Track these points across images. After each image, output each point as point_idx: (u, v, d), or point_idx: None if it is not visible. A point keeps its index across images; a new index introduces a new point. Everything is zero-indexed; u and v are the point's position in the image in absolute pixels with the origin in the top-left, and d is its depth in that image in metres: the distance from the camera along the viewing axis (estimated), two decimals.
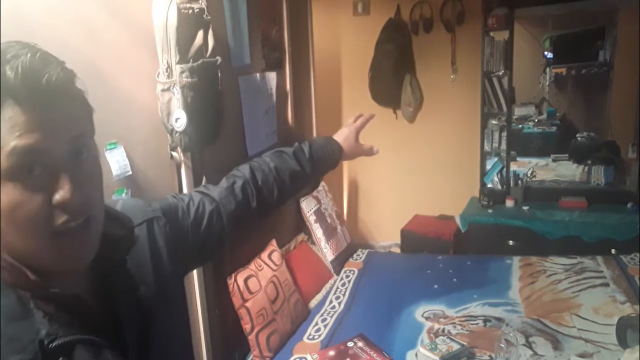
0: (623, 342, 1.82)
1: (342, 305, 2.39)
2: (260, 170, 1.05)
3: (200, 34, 1.72)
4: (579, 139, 3.60)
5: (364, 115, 1.26)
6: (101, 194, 0.65)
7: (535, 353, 1.87)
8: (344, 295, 2.49)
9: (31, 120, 0.56)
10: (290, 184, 1.07)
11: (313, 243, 2.79)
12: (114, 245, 0.69)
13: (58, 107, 0.58)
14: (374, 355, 1.87)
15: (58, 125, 0.58)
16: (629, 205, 3.22)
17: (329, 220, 2.88)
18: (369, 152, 1.24)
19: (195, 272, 1.82)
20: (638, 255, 2.65)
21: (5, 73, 0.55)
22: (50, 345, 0.57)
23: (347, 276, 2.70)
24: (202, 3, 1.75)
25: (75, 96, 0.61)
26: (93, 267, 0.68)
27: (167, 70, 1.65)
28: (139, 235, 0.78)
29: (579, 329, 2.01)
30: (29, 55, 0.56)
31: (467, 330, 2.07)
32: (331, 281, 2.65)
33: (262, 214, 1.07)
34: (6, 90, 0.55)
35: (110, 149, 1.45)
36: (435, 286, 2.51)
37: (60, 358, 0.57)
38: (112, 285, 0.70)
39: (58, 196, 0.58)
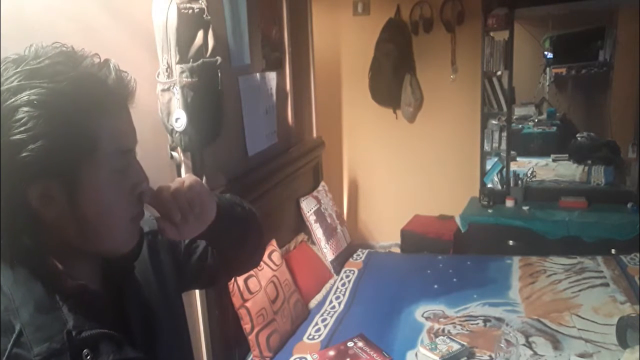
0: (623, 342, 1.82)
1: (342, 305, 2.38)
2: None
3: (200, 34, 1.72)
4: (579, 139, 3.60)
5: None
6: None
7: (535, 353, 1.87)
8: (344, 295, 2.49)
9: (126, 123, 0.66)
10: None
11: (313, 243, 2.79)
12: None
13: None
14: (374, 355, 1.87)
15: (133, 126, 0.68)
16: (629, 205, 3.22)
17: (329, 220, 2.88)
18: None
19: None
20: (638, 255, 2.65)
21: (106, 79, 0.62)
22: (78, 336, 0.60)
23: (347, 276, 2.70)
24: (202, 3, 1.75)
25: None
26: (105, 270, 0.71)
27: (167, 70, 1.66)
28: (144, 244, 0.80)
29: (579, 329, 2.01)
30: (113, 62, 0.64)
31: (467, 330, 2.07)
32: (331, 281, 2.65)
33: (243, 267, 1.03)
34: (108, 96, 0.62)
35: None
36: (435, 286, 2.51)
37: (85, 350, 0.60)
38: (120, 288, 0.72)
39: (142, 188, 0.68)
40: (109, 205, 0.64)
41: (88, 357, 0.60)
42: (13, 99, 0.56)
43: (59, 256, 0.63)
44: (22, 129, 0.55)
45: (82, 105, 0.59)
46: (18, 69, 0.57)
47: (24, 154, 0.56)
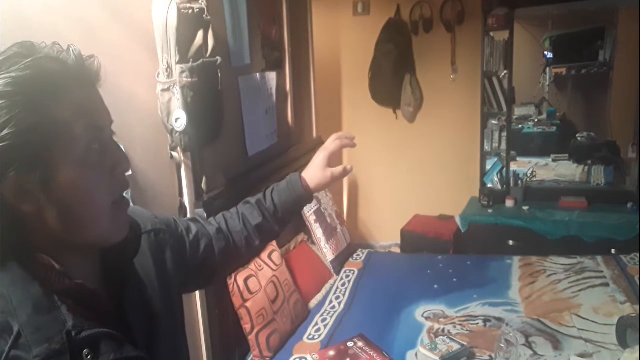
0: (623, 342, 1.82)
1: (342, 305, 2.38)
2: (232, 220, 1.03)
3: (200, 34, 1.72)
4: (579, 139, 3.60)
5: (341, 140, 1.09)
6: None
7: (535, 353, 1.87)
8: (344, 295, 2.49)
9: (94, 101, 0.64)
10: (256, 235, 1.02)
11: (313, 243, 2.79)
12: (123, 247, 0.71)
13: (99, 90, 0.66)
14: (374, 355, 1.87)
15: (104, 106, 0.66)
16: (629, 205, 3.22)
17: (329, 220, 2.88)
18: (343, 174, 1.09)
19: None
20: (638, 255, 2.65)
21: (66, 61, 0.61)
22: (78, 336, 0.59)
23: (347, 276, 2.70)
24: (202, 3, 1.75)
25: None
26: (103, 267, 0.71)
27: (167, 70, 1.66)
28: (146, 242, 0.80)
29: (579, 329, 2.01)
30: (74, 46, 0.63)
31: (467, 330, 2.07)
32: (331, 281, 2.65)
33: (239, 261, 1.07)
34: (70, 76, 0.61)
35: None
36: (435, 286, 2.51)
37: (86, 350, 0.60)
38: (120, 287, 0.72)
39: (121, 168, 0.66)
40: (88, 188, 0.62)
41: (88, 357, 0.59)
42: None
43: (55, 255, 0.62)
44: None
45: (43, 88, 0.58)
46: None
47: None
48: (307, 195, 1.05)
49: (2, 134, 0.55)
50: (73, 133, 0.60)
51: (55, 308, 0.60)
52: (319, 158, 1.08)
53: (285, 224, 1.07)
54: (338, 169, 1.07)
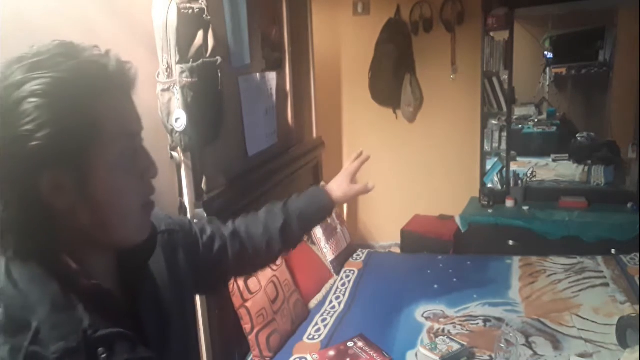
0: (623, 342, 1.82)
1: (342, 305, 2.38)
2: (253, 224, 1.05)
3: (200, 34, 1.72)
4: (579, 139, 3.60)
5: (361, 158, 1.27)
6: None
7: (535, 353, 1.87)
8: (344, 295, 2.49)
9: (130, 108, 0.67)
10: (279, 238, 1.05)
11: (313, 243, 2.79)
12: (140, 248, 0.71)
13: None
14: (374, 355, 1.87)
15: (137, 113, 0.69)
16: (629, 205, 3.22)
17: (329, 220, 2.88)
18: (364, 191, 1.23)
19: None
20: (638, 255, 2.65)
21: (107, 66, 0.63)
22: (94, 335, 0.60)
23: (347, 276, 2.70)
24: (202, 3, 1.75)
25: None
26: (119, 267, 0.72)
27: (167, 70, 1.66)
28: (160, 242, 0.81)
29: (579, 329, 2.01)
30: (113, 52, 0.66)
31: (467, 330, 2.07)
32: (331, 281, 2.65)
33: (255, 266, 1.09)
34: (110, 81, 0.63)
35: None
36: (435, 286, 2.51)
37: (101, 348, 0.60)
38: (134, 286, 0.73)
39: (151, 173, 0.69)
40: (120, 190, 0.64)
41: (103, 356, 0.60)
42: (17, 93, 0.56)
43: (73, 254, 0.63)
44: (28, 119, 0.56)
45: (84, 90, 0.60)
46: (19, 65, 0.58)
47: (32, 144, 0.56)
48: (329, 202, 1.13)
49: (40, 134, 0.56)
50: (109, 137, 0.62)
51: (72, 307, 0.61)
52: (345, 177, 1.20)
53: (306, 229, 1.11)
54: (359, 185, 1.21)
